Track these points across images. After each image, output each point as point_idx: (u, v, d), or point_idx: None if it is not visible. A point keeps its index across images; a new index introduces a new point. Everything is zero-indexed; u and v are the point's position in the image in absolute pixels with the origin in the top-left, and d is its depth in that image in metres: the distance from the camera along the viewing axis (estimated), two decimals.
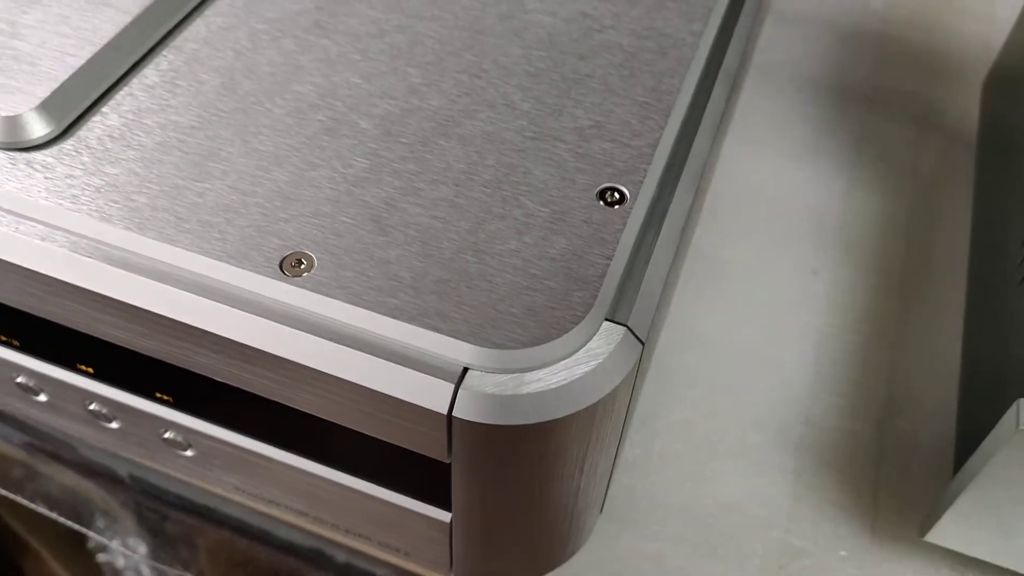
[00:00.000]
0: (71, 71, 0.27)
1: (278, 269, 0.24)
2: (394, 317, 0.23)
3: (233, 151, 0.27)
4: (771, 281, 0.44)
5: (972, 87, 0.54)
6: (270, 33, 0.30)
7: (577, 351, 0.23)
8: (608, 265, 0.25)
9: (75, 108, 0.27)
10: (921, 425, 0.39)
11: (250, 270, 0.24)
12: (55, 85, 0.27)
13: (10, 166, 0.26)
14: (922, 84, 0.54)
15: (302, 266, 0.24)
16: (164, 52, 0.29)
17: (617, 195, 0.26)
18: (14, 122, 0.26)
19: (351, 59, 0.30)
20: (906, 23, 0.58)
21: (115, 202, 0.25)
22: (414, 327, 0.23)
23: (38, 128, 0.26)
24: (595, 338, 0.24)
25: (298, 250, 0.24)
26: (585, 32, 0.31)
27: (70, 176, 0.26)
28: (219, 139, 0.27)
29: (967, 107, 0.53)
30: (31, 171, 0.26)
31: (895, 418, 0.39)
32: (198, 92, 0.28)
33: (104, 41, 0.28)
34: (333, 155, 0.27)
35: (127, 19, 0.29)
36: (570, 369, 0.23)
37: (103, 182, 0.26)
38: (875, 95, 0.53)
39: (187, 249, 0.24)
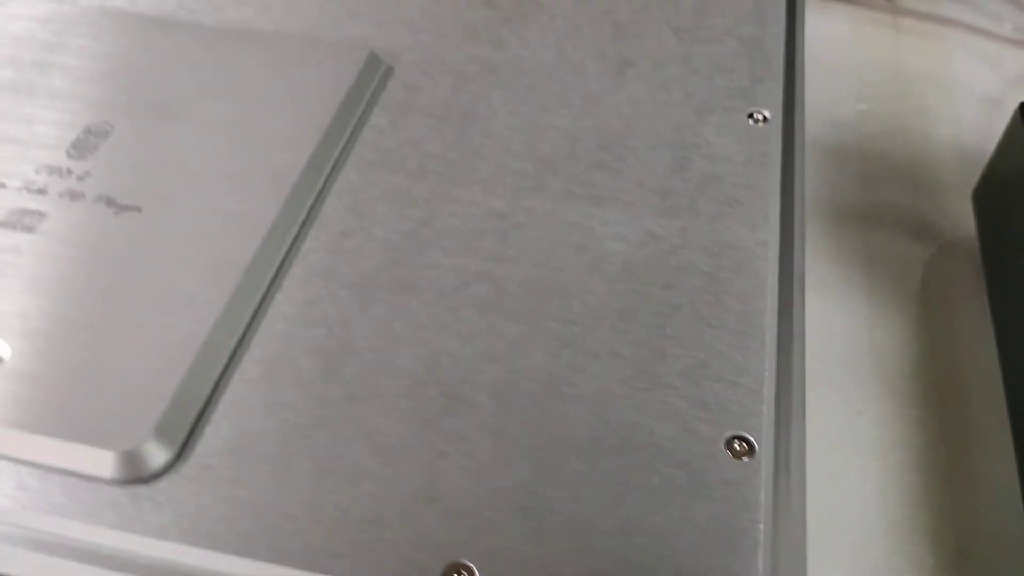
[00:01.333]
0: (175, 384, 0.27)
1: None
2: None
3: (359, 450, 0.26)
4: (818, 425, 0.45)
5: (957, 193, 0.56)
6: (356, 299, 0.30)
7: None
8: (759, 530, 0.25)
9: (186, 424, 0.26)
10: (1000, 568, 0.40)
11: None
12: (164, 404, 0.26)
13: (133, 505, 0.25)
14: (910, 195, 0.57)
15: None
16: (256, 338, 0.29)
17: (745, 445, 0.27)
18: (131, 457, 0.25)
19: (443, 320, 0.30)
20: (880, 134, 0.61)
21: (255, 530, 0.25)
22: None
23: (157, 457, 0.26)
24: None
25: (456, 560, 0.24)
26: (659, 256, 0.32)
27: (199, 507, 0.25)
28: (341, 437, 0.27)
29: (958, 214, 0.55)
30: (157, 506, 0.25)
31: (970, 561, 0.40)
32: (302, 381, 0.28)
33: (198, 343, 0.28)
34: (457, 437, 0.27)
35: (214, 316, 0.28)
36: None
37: (236, 509, 0.25)
38: (871, 213, 0.55)
39: None
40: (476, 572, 0.24)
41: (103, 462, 0.25)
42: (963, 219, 0.55)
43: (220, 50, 0.38)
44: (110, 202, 0.31)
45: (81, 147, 0.33)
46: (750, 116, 0.37)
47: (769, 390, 0.28)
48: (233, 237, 0.31)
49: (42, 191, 0.32)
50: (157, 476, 0.26)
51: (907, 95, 0.64)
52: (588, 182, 0.34)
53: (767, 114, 0.37)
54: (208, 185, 0.32)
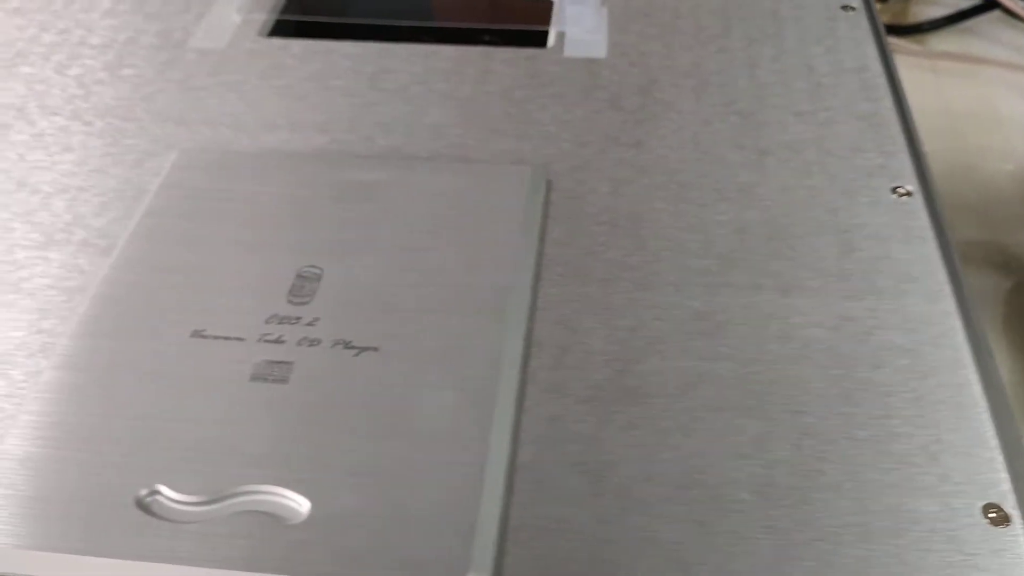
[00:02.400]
0: (471, 515, 0.28)
1: None
2: None
3: (651, 559, 0.28)
4: None
5: None
6: (595, 413, 0.32)
7: None
8: None
9: (490, 552, 0.28)
10: None
11: None
12: (470, 535, 0.28)
13: None
14: (987, 231, 0.60)
15: None
16: (520, 461, 0.31)
17: (999, 512, 0.29)
18: None
19: (683, 424, 0.32)
20: (946, 174, 0.64)
21: None
22: None
23: None
24: None
25: None
26: (860, 337, 0.34)
27: None
28: (629, 549, 0.28)
29: None
30: None
31: None
32: (575, 498, 0.30)
33: (478, 474, 0.29)
34: (736, 538, 0.29)
35: (481, 445, 0.30)
36: None
37: None
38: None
39: None
40: None
41: None
42: None
43: (394, 181, 0.40)
44: (347, 345, 0.33)
45: (299, 293, 0.35)
46: (894, 191, 0.40)
47: (1003, 459, 0.31)
48: (471, 366, 0.33)
49: (280, 340, 0.33)
50: None
51: (960, 135, 0.67)
52: (770, 273, 0.37)
53: (909, 188, 0.40)
54: (431, 315, 0.34)
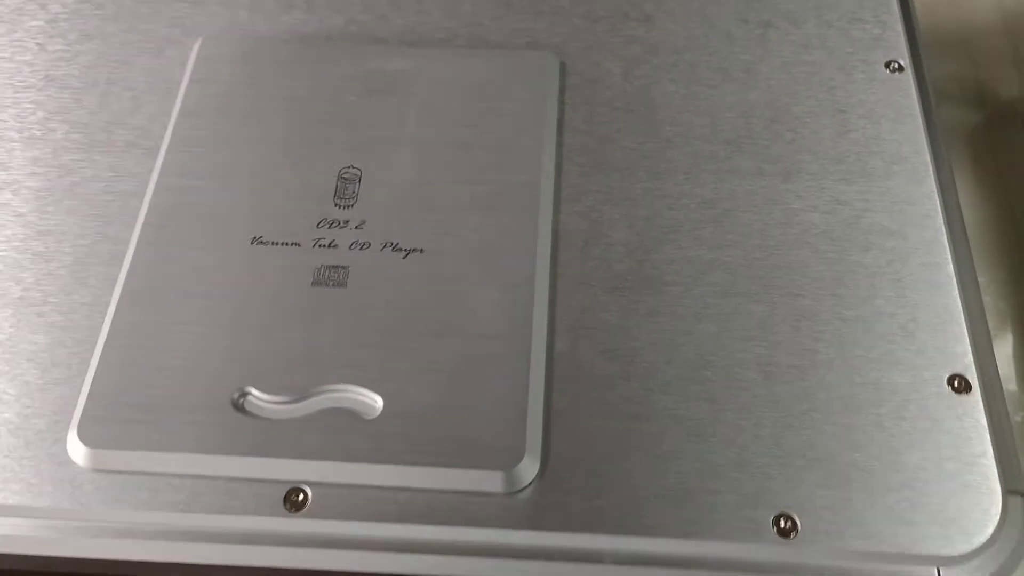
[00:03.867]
0: (523, 405, 0.33)
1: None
2: None
3: (675, 433, 0.34)
4: None
5: (1005, 60, 0.62)
6: (620, 302, 0.37)
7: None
8: (990, 453, 0.33)
9: (538, 437, 0.33)
10: None
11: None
12: (524, 423, 0.33)
13: (526, 508, 0.32)
14: (967, 66, 0.63)
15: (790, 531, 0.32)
16: (557, 351, 0.35)
17: (964, 382, 0.35)
18: (514, 473, 0.32)
19: (697, 309, 0.36)
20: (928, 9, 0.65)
21: (618, 511, 0.32)
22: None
23: (531, 470, 0.33)
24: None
25: (781, 511, 0.32)
26: (851, 221, 0.38)
27: (569, 501, 0.32)
28: (658, 425, 0.34)
29: (1009, 78, 0.61)
30: (539, 507, 0.32)
31: None
32: (607, 382, 0.35)
33: (524, 366, 0.34)
34: (743, 411, 0.34)
35: (526, 339, 0.35)
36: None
37: (599, 498, 0.32)
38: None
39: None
40: (797, 519, 0.32)
41: (493, 480, 0.32)
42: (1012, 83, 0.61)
43: (416, 70, 0.42)
44: (395, 247, 0.37)
45: (343, 195, 0.38)
46: (887, 66, 0.43)
47: (969, 330, 0.36)
48: (509, 263, 0.36)
49: (333, 245, 0.37)
50: (529, 484, 0.33)
51: None
52: (772, 157, 0.40)
53: (901, 62, 0.43)
54: (467, 213, 0.38)
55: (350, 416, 0.33)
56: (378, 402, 0.34)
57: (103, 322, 0.35)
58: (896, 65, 0.43)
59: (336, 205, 0.38)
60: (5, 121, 0.41)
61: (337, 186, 0.38)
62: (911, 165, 0.40)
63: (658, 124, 0.41)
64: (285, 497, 0.32)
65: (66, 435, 0.33)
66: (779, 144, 0.40)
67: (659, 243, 0.38)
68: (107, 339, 0.35)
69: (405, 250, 0.37)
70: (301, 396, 0.34)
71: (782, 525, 0.32)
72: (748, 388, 0.35)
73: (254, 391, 0.34)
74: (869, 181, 0.39)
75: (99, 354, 0.34)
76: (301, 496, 0.32)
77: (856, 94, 0.42)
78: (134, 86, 0.42)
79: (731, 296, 0.37)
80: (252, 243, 0.37)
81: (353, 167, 0.39)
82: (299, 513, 0.32)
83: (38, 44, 0.44)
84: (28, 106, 0.42)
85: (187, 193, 0.38)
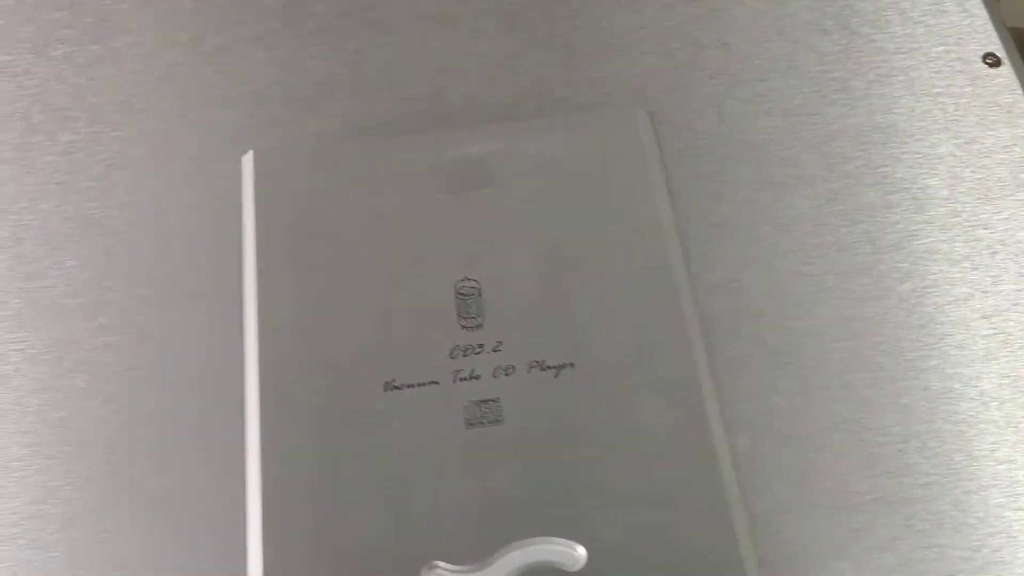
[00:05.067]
0: (727, 519, 0.31)
1: None
2: None
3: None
4: None
5: None
6: (777, 360, 0.34)
7: None
8: None
9: (749, 548, 0.31)
10: None
11: None
12: (736, 542, 0.31)
13: None
14: None
15: None
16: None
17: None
18: None
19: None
20: None
21: None
22: None
23: None
24: None
25: None
26: (994, 249, 0.37)
27: None
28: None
29: None
30: None
31: None
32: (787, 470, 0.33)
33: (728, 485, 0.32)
34: None
35: (720, 460, 0.32)
36: None
37: None
38: None
39: None
40: None
41: None
42: None
43: (500, 152, 0.38)
44: (543, 366, 0.34)
45: (466, 314, 0.35)
46: (984, 60, 0.40)
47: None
48: (665, 358, 0.34)
49: (476, 376, 0.33)
50: None
51: None
52: (897, 185, 0.38)
53: (998, 54, 0.41)
54: (604, 312, 0.35)
55: (554, 572, 0.31)
56: (579, 551, 0.31)
57: (248, 515, 0.32)
58: (994, 58, 0.40)
59: (463, 327, 0.34)
60: (52, 287, 0.36)
61: (458, 304, 0.35)
62: None
63: (766, 167, 0.38)
64: None
65: None
66: (900, 168, 0.38)
67: (810, 305, 0.36)
68: (263, 536, 0.31)
69: (554, 367, 0.34)
70: (494, 558, 0.31)
71: None
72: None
73: (442, 565, 0.31)
74: (1000, 198, 0.38)
75: (261, 553, 0.31)
76: None
77: (961, 97, 0.40)
78: (185, 218, 0.37)
79: (902, 356, 0.35)
80: (386, 390, 0.33)
81: (468, 279, 0.35)
82: None
83: (58, 184, 0.38)
84: (72, 264, 0.36)
85: (296, 349, 0.34)
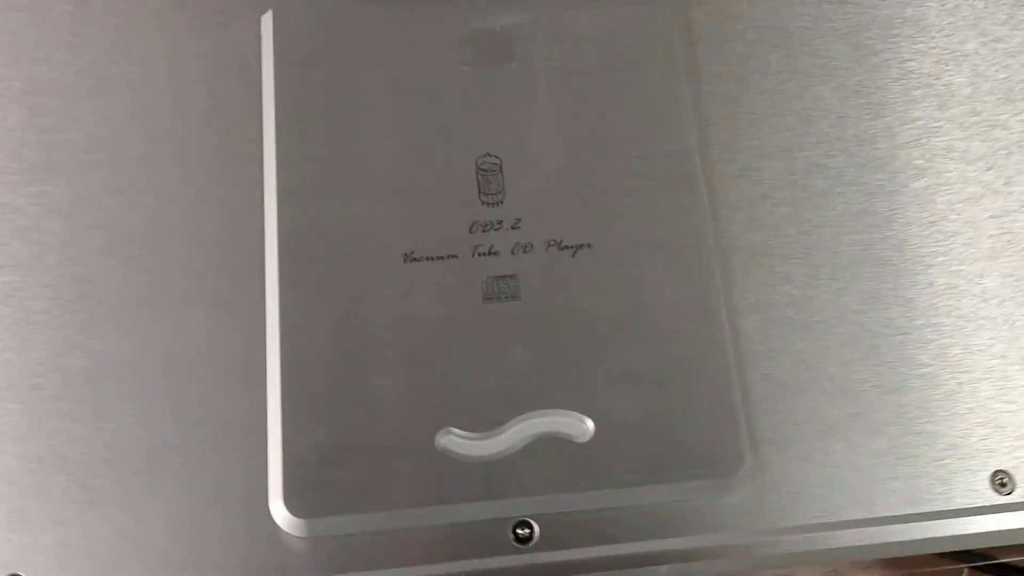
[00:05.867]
0: (734, 405, 0.33)
1: None
2: None
3: (880, 405, 0.34)
4: None
5: None
6: (799, 272, 0.35)
7: None
8: None
9: (744, 434, 0.33)
10: None
11: None
12: (737, 427, 0.32)
13: (752, 500, 0.32)
14: None
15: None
16: (743, 337, 0.34)
17: None
18: (740, 478, 0.32)
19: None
20: None
21: (835, 494, 0.32)
22: None
23: (748, 467, 0.32)
24: None
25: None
26: (1011, 149, 0.37)
27: (785, 489, 0.33)
28: (865, 402, 0.34)
29: None
30: (760, 495, 0.32)
31: None
32: (803, 362, 0.34)
33: (724, 363, 0.33)
34: None
35: (720, 331, 0.33)
36: None
37: (815, 485, 0.33)
38: None
39: None
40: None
41: (718, 487, 0.32)
42: None
43: (527, 28, 0.37)
44: (560, 245, 0.34)
45: (488, 191, 0.35)
46: None
47: None
48: (682, 241, 0.34)
49: (494, 252, 0.34)
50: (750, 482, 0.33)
51: None
52: (923, 79, 0.38)
53: None
54: (624, 195, 0.35)
55: (562, 443, 0.32)
56: (587, 424, 0.32)
57: (268, 377, 0.32)
58: None
59: (484, 203, 0.35)
60: (71, 139, 0.36)
61: (479, 180, 0.35)
62: None
63: (796, 56, 0.38)
64: (513, 533, 0.32)
65: (267, 504, 0.31)
66: (927, 63, 0.38)
67: (825, 196, 0.36)
68: (283, 398, 0.32)
69: (572, 247, 0.34)
70: (505, 427, 0.32)
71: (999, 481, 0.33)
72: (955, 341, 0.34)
73: (456, 431, 0.32)
74: (1021, 99, 0.38)
75: (280, 415, 0.32)
76: (528, 531, 0.32)
77: None
78: (204, 75, 0.37)
79: (910, 251, 0.35)
80: (405, 262, 0.34)
81: (490, 155, 0.35)
82: (528, 546, 0.32)
83: (75, 36, 0.37)
84: (92, 117, 0.36)
85: (316, 217, 0.34)
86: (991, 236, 0.36)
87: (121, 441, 0.32)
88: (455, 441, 0.32)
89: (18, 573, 0.31)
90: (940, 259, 0.35)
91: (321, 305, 0.33)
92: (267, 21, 0.37)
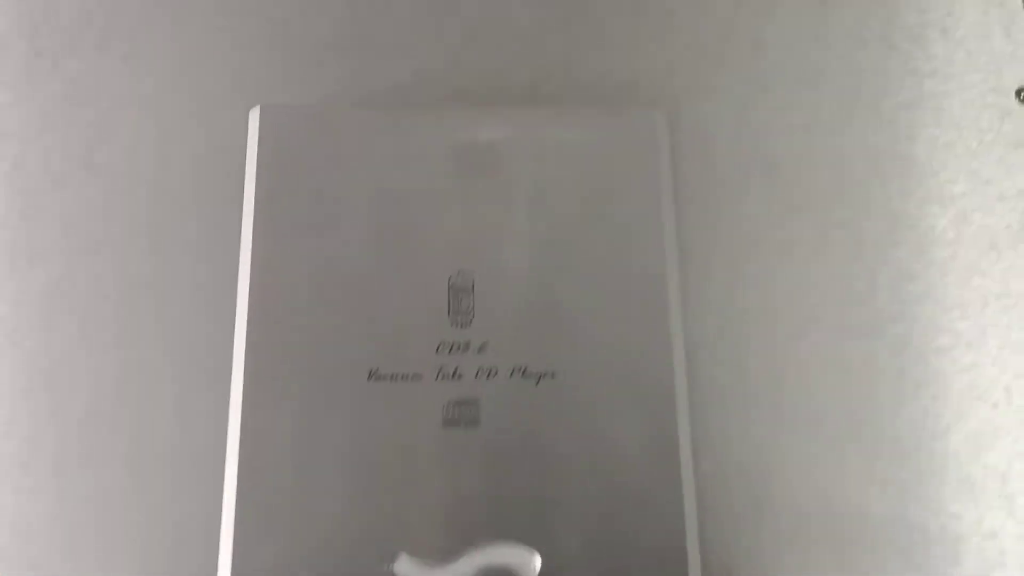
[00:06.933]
0: (692, 539, 0.33)
1: None
2: None
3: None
4: None
5: None
6: (767, 380, 0.35)
7: None
8: None
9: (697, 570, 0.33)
10: None
11: None
12: (686, 565, 0.33)
13: None
14: None
15: None
16: (698, 462, 0.34)
17: None
18: None
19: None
20: None
21: None
22: None
23: None
24: None
25: None
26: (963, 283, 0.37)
27: None
28: None
29: None
30: None
31: None
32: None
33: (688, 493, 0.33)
34: None
35: (683, 463, 0.34)
36: None
37: None
38: None
39: None
40: None
41: None
42: None
43: (513, 140, 0.37)
44: (524, 373, 0.34)
45: (458, 310, 0.35)
46: (1018, 94, 0.39)
47: None
48: (646, 374, 0.34)
49: (459, 375, 0.34)
50: None
51: None
52: (909, 220, 0.38)
53: None
54: (594, 321, 0.35)
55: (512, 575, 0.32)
56: (535, 560, 0.33)
57: (225, 485, 0.33)
58: None
59: (453, 323, 0.35)
60: (53, 222, 0.36)
61: (450, 299, 0.35)
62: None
63: (779, 185, 0.38)
64: None
65: None
66: (912, 203, 0.38)
67: (798, 336, 0.36)
68: (237, 509, 0.32)
69: (535, 375, 0.34)
70: (455, 557, 0.32)
71: None
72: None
73: (407, 559, 0.32)
74: (1006, 248, 0.37)
75: (232, 526, 0.32)
76: None
77: (988, 133, 0.39)
78: (191, 168, 0.37)
79: (879, 400, 0.35)
80: (369, 379, 0.34)
81: (465, 273, 0.35)
82: None
83: (63, 118, 0.38)
84: (75, 201, 0.36)
85: (287, 324, 0.34)
86: (959, 390, 0.36)
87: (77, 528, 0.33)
88: (406, 569, 0.32)
89: None
90: (906, 410, 0.35)
91: (283, 417, 0.34)
92: (254, 116, 0.37)
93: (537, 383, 0.34)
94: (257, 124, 0.37)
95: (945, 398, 0.35)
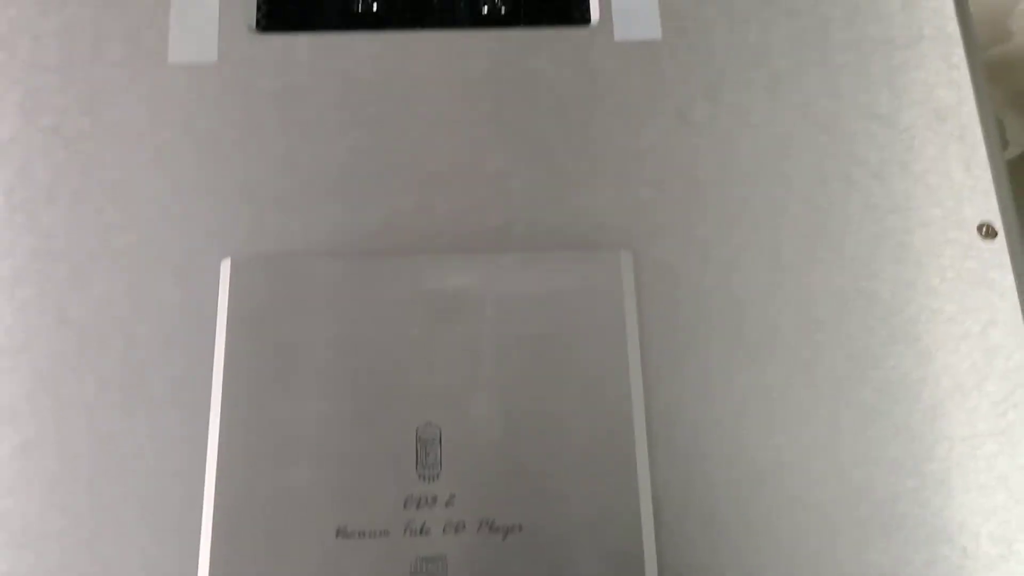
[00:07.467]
0: None
1: None
2: None
3: None
4: None
5: None
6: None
7: None
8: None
9: None
10: None
11: None
12: None
13: None
14: None
15: None
16: None
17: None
18: None
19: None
20: None
21: None
22: None
23: None
24: None
25: None
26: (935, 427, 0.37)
27: None
28: None
29: None
30: None
31: None
32: None
33: None
34: None
35: None
36: None
37: None
38: None
39: None
40: None
41: None
42: None
43: (481, 286, 0.38)
44: (492, 527, 0.35)
45: (426, 463, 0.35)
46: (980, 230, 0.40)
47: None
48: (613, 531, 0.35)
49: (426, 531, 0.34)
50: None
51: None
52: (874, 361, 0.38)
53: (995, 225, 0.40)
54: (561, 473, 0.35)
55: None
56: None
57: None
58: (990, 229, 0.40)
59: (420, 476, 0.35)
60: (20, 381, 0.37)
61: (417, 451, 0.35)
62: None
63: (744, 327, 0.38)
64: None
65: None
66: (874, 343, 0.38)
67: (761, 481, 0.36)
68: None
69: (503, 529, 0.35)
70: None
71: None
72: None
73: None
74: (972, 389, 0.38)
75: None
76: None
77: (949, 270, 0.39)
78: (160, 321, 0.38)
79: (839, 543, 0.36)
80: (338, 536, 0.34)
81: (432, 425, 0.36)
82: None
83: (37, 271, 0.38)
84: (45, 359, 0.37)
85: (254, 482, 0.35)
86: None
87: None
88: None
89: None
90: (870, 557, 0.35)
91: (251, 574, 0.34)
92: (225, 268, 0.38)
93: (504, 537, 0.34)
94: (228, 275, 0.37)
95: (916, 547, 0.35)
